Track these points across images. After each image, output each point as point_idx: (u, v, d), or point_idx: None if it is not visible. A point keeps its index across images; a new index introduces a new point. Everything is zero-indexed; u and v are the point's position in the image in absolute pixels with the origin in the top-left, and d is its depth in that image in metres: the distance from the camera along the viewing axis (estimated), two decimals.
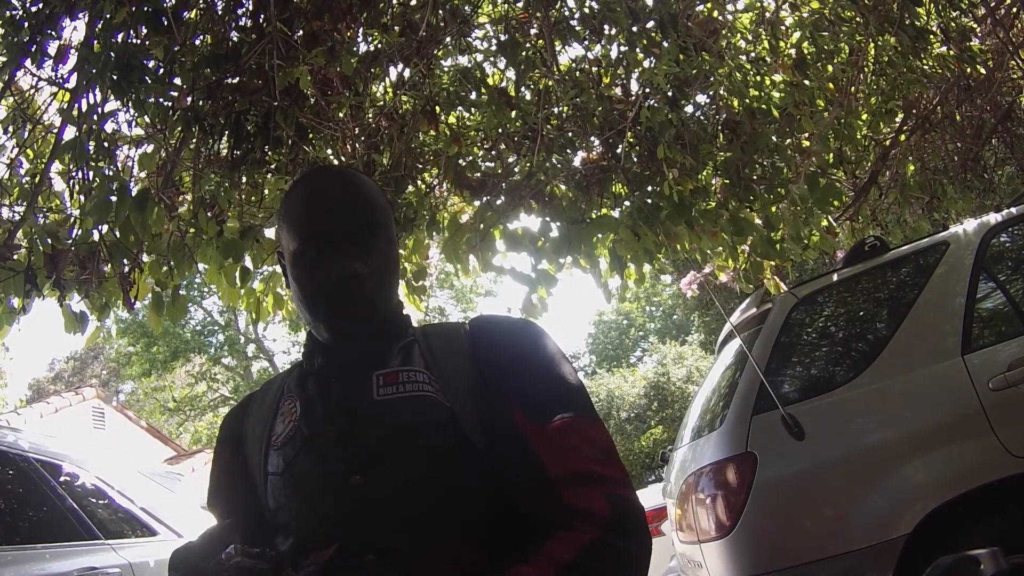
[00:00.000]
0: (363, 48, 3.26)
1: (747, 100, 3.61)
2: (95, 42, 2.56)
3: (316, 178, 1.09)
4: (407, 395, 0.96)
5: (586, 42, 3.52)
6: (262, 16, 2.79)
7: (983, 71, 4.29)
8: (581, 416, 0.93)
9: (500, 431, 0.93)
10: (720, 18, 3.64)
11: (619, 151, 3.54)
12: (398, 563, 0.88)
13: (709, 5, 3.57)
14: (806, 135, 3.87)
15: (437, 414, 0.94)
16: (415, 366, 1.00)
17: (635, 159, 3.70)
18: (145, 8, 2.49)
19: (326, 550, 0.88)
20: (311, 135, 3.16)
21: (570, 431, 0.91)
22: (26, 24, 2.50)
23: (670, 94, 3.32)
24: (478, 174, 3.69)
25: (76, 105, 2.63)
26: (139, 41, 2.64)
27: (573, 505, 0.86)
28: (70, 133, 2.67)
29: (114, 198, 2.64)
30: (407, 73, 3.22)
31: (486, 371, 0.97)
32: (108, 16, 2.48)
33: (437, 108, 3.28)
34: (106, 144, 2.74)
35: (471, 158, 3.74)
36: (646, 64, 3.38)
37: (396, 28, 3.13)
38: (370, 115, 3.43)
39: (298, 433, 0.99)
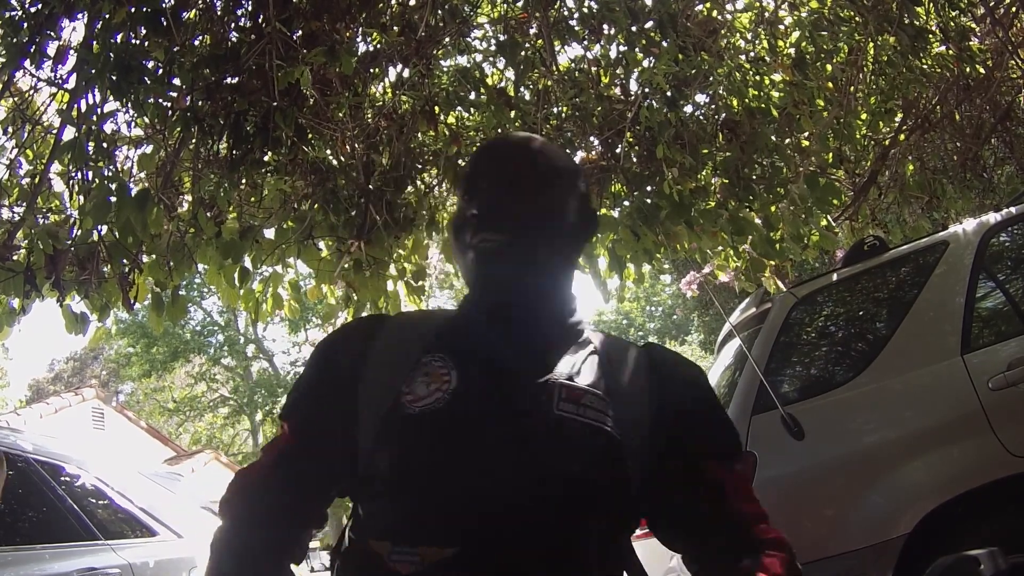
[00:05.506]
0: (362, 48, 3.26)
1: (746, 100, 3.61)
2: (94, 43, 2.57)
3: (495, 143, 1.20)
4: (586, 422, 0.89)
5: (585, 42, 3.52)
6: (261, 16, 2.79)
7: (982, 71, 4.28)
8: (745, 456, 1.01)
9: (686, 471, 0.94)
10: (719, 18, 3.64)
11: (618, 151, 3.54)
12: None
13: (708, 5, 3.57)
14: (806, 135, 3.87)
15: (607, 452, 0.90)
16: (598, 387, 0.93)
17: (634, 159, 3.69)
18: (144, 8, 2.49)
19: (440, 549, 0.82)
20: (310, 135, 3.16)
21: (746, 472, 1.01)
22: (25, 25, 2.51)
23: (669, 94, 3.32)
24: None
25: (75, 106, 2.63)
26: (138, 42, 2.64)
27: (765, 538, 0.92)
28: (70, 133, 2.67)
29: (113, 198, 2.64)
30: (406, 73, 3.22)
31: (670, 409, 0.95)
32: (107, 16, 2.48)
33: (436, 108, 3.28)
34: (105, 144, 2.74)
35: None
36: (645, 64, 3.37)
37: (395, 28, 3.13)
38: (369, 115, 3.43)
39: (447, 408, 0.88)
